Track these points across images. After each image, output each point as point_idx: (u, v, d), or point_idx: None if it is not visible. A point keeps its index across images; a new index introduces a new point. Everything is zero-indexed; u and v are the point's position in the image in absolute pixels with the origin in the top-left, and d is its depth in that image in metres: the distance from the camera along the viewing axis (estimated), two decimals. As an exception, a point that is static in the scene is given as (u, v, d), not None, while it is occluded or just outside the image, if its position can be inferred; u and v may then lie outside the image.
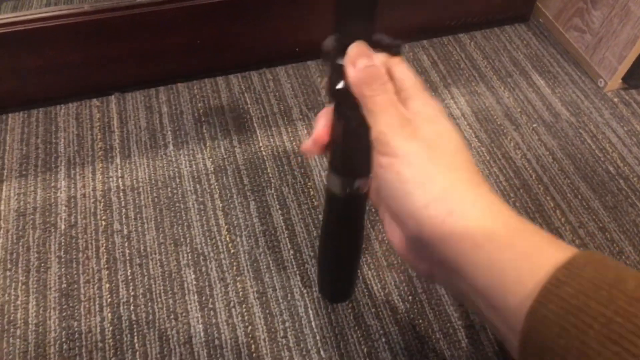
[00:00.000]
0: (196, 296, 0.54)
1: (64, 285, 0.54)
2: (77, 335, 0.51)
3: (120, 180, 0.63)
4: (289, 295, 0.55)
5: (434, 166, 0.25)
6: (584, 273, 0.21)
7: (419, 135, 0.26)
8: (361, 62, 0.28)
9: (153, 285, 0.55)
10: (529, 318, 0.21)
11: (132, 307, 0.53)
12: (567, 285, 0.20)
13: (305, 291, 0.55)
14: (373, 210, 0.61)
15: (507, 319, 0.23)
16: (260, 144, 0.67)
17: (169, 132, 0.68)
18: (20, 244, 0.57)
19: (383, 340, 0.52)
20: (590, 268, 0.21)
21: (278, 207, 0.61)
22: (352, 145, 0.33)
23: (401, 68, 0.29)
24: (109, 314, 0.53)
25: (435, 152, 0.26)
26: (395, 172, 0.25)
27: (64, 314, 0.52)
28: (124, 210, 0.60)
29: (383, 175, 0.26)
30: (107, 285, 0.54)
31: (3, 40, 0.60)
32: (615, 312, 0.19)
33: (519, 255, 0.23)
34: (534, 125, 0.71)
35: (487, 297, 0.23)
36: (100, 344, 0.51)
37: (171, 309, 0.53)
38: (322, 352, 0.51)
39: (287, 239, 0.59)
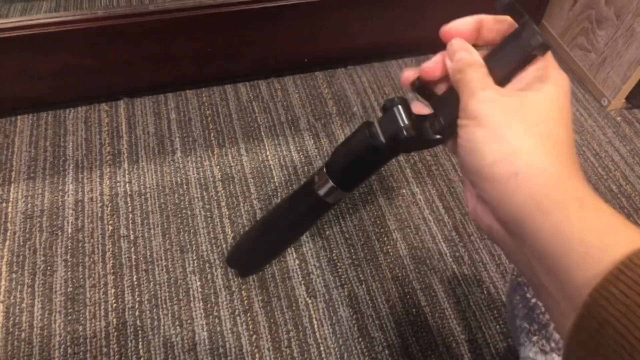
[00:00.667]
0: (201, 303, 0.54)
1: (69, 289, 0.54)
2: (81, 340, 0.51)
3: (127, 185, 0.63)
4: (294, 305, 0.55)
5: (508, 129, 0.26)
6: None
7: (502, 100, 0.27)
8: (459, 54, 0.31)
9: (159, 292, 0.55)
10: (595, 293, 0.21)
11: (137, 313, 0.53)
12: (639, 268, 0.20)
13: (309, 301, 0.55)
14: (378, 222, 0.62)
15: (567, 289, 0.23)
16: (268, 153, 0.67)
17: (177, 139, 0.68)
18: (27, 246, 0.57)
19: (386, 352, 0.52)
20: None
21: (284, 216, 0.62)
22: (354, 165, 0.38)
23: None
24: (114, 319, 0.53)
25: (515, 117, 0.27)
26: (471, 133, 0.27)
27: (69, 317, 0.53)
28: (130, 216, 0.60)
29: (461, 137, 0.28)
30: (113, 290, 0.55)
31: (16, 43, 0.61)
32: None
33: (590, 231, 0.23)
34: (538, 141, 0.72)
35: (548, 264, 0.24)
36: (105, 349, 0.51)
37: (176, 316, 0.53)
38: (325, 363, 0.51)
39: (292, 248, 0.59)
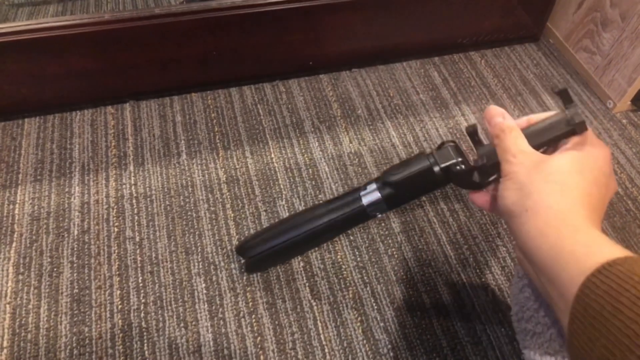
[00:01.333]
0: (206, 305, 0.54)
1: (75, 291, 0.55)
2: (87, 341, 0.51)
3: (133, 187, 0.63)
4: (298, 307, 0.55)
5: (528, 180, 0.33)
6: (638, 261, 0.26)
7: (527, 161, 0.34)
8: (495, 120, 0.37)
9: (164, 293, 0.55)
10: (583, 287, 0.27)
11: (142, 315, 0.53)
12: (621, 266, 0.26)
13: (314, 303, 0.55)
14: (383, 224, 0.62)
15: (560, 289, 0.29)
16: (273, 155, 0.68)
17: (183, 141, 0.68)
18: (34, 248, 0.57)
19: (391, 354, 0.52)
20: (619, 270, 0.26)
21: (289, 218, 0.62)
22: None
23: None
24: (120, 321, 0.53)
25: (535, 171, 0.33)
26: (503, 184, 0.35)
27: (75, 319, 0.53)
28: (136, 218, 0.61)
29: (499, 188, 0.36)
30: (119, 292, 0.55)
31: (24, 46, 0.61)
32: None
33: (579, 244, 0.29)
34: (543, 144, 0.72)
35: (547, 273, 0.30)
36: (110, 351, 0.51)
37: (181, 317, 0.53)
38: (330, 365, 0.51)
39: (297, 250, 0.59)
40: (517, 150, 0.35)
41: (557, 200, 0.32)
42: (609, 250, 0.28)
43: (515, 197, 0.33)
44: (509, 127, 0.36)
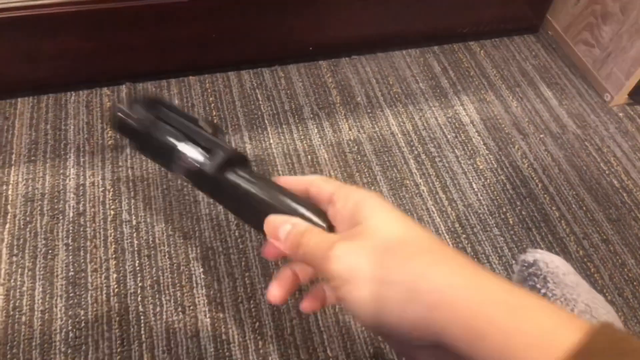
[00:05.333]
0: (204, 290, 0.54)
1: (71, 273, 0.54)
2: (83, 324, 0.51)
3: (130, 170, 0.62)
4: (297, 292, 0.55)
5: (386, 271, 0.24)
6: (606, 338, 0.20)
7: (354, 247, 0.25)
8: (282, 232, 0.28)
9: (161, 277, 0.54)
10: None
11: (139, 299, 0.53)
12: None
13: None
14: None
15: None
16: (271, 141, 0.67)
17: (180, 125, 0.67)
18: (28, 229, 0.56)
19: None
20: (612, 353, 0.20)
21: (287, 204, 0.61)
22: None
23: (319, 182, 0.30)
24: (116, 304, 0.52)
25: (376, 253, 0.24)
26: (350, 295, 0.24)
27: (71, 302, 0.52)
28: (132, 201, 0.60)
29: (346, 301, 0.25)
30: (115, 275, 0.54)
31: (18, 23, 0.60)
32: None
33: (531, 340, 0.21)
34: (541, 135, 0.72)
35: None
36: (107, 334, 0.50)
37: (179, 302, 0.53)
38: (328, 351, 0.51)
39: (295, 236, 0.59)
40: (333, 242, 0.25)
41: (449, 273, 0.23)
42: (566, 334, 0.21)
43: (392, 298, 0.23)
44: (302, 225, 0.27)
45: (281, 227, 0.28)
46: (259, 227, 0.30)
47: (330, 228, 0.28)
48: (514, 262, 0.59)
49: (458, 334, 0.22)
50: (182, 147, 0.32)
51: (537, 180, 0.67)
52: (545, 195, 0.66)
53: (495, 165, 0.68)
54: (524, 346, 0.21)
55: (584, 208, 0.65)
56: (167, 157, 0.33)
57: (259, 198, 0.31)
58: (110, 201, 0.60)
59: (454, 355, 0.23)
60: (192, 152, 0.32)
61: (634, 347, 0.20)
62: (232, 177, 0.32)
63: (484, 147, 0.70)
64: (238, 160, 0.33)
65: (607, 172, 0.69)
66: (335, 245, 0.25)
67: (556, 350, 0.20)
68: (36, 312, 0.51)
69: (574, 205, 0.65)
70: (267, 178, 0.33)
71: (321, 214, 0.30)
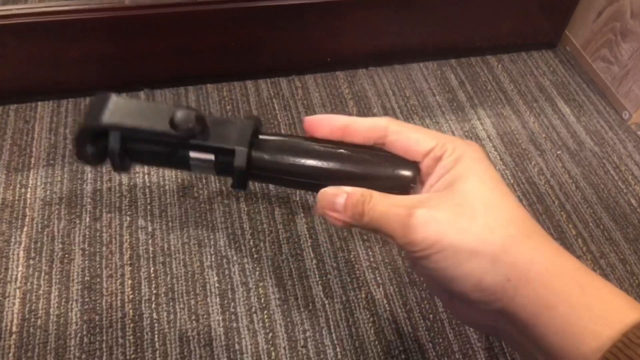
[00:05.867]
0: (218, 299, 0.54)
1: (86, 278, 0.54)
2: (97, 330, 0.51)
3: (146, 176, 0.63)
4: (311, 304, 0.55)
5: (472, 237, 0.24)
6: None
7: (440, 213, 0.25)
8: (338, 205, 0.27)
9: (175, 285, 0.55)
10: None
11: (153, 306, 0.53)
12: (638, 346, 0.20)
13: (327, 302, 0.55)
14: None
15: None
16: (287, 151, 0.67)
17: (197, 132, 0.68)
18: (45, 233, 0.57)
19: (403, 357, 0.52)
20: None
21: (302, 215, 0.61)
22: None
23: (409, 132, 0.28)
24: (131, 311, 0.52)
25: (466, 219, 0.24)
26: (435, 261, 0.24)
27: (86, 307, 0.52)
28: (149, 207, 0.60)
29: (428, 269, 0.25)
30: (130, 282, 0.54)
31: (41, 28, 0.60)
32: None
33: (597, 314, 0.22)
34: (558, 152, 0.72)
35: (554, 355, 0.23)
36: (120, 340, 0.51)
37: (192, 310, 0.53)
38: (341, 365, 0.51)
39: (310, 247, 0.59)
40: (410, 209, 0.25)
41: (533, 247, 0.24)
42: (627, 310, 0.22)
43: (479, 270, 0.24)
44: (367, 193, 0.26)
45: (335, 201, 0.27)
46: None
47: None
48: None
49: (529, 303, 0.23)
50: (193, 153, 0.31)
51: (553, 197, 0.67)
52: (562, 213, 0.65)
53: (512, 181, 0.68)
54: (590, 318, 0.22)
55: (601, 227, 0.64)
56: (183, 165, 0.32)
57: (304, 171, 0.29)
58: (127, 207, 0.60)
59: (511, 324, 0.24)
60: (203, 156, 0.31)
61: None
62: (266, 158, 0.30)
63: (501, 162, 0.70)
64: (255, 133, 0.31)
65: (624, 190, 0.68)
66: (416, 212, 0.24)
67: (620, 324, 0.21)
68: (51, 316, 0.51)
69: (590, 224, 0.64)
70: (299, 136, 0.31)
71: (411, 167, 0.27)
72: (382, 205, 0.26)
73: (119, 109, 0.32)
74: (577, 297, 0.23)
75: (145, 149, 0.32)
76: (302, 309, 0.54)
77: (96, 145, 0.32)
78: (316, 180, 0.29)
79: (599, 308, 0.22)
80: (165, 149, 0.31)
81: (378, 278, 0.57)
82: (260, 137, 0.32)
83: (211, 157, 0.31)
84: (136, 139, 0.31)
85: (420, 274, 0.27)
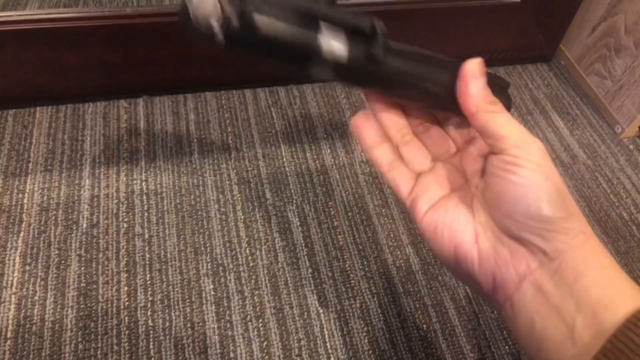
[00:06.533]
0: (214, 307, 0.54)
1: (82, 285, 0.54)
2: (93, 336, 0.51)
3: (144, 183, 0.63)
4: (305, 313, 0.55)
5: (561, 184, 0.27)
6: None
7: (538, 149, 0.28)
8: (479, 89, 0.29)
9: (171, 292, 0.55)
10: (613, 339, 0.23)
11: (149, 313, 0.53)
12: None
13: (321, 311, 0.55)
14: (392, 235, 0.62)
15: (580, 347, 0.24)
16: (284, 159, 0.68)
17: (195, 140, 0.68)
18: (42, 239, 0.57)
19: (396, 366, 0.52)
20: None
21: (298, 223, 0.62)
22: None
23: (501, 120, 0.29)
24: (126, 318, 0.53)
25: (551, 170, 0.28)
26: (530, 177, 0.27)
27: (82, 313, 0.52)
28: (146, 214, 0.60)
29: (517, 177, 0.27)
30: (126, 289, 0.55)
31: (41, 35, 0.61)
32: None
33: (619, 293, 0.25)
34: (552, 164, 0.73)
35: (592, 312, 0.25)
36: (115, 347, 0.51)
37: (188, 318, 0.53)
38: (335, 374, 0.51)
39: (305, 256, 0.59)
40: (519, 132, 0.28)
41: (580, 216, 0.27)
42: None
43: (565, 210, 0.26)
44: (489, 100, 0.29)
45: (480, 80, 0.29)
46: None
47: None
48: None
49: (591, 257, 0.26)
50: (323, 39, 0.25)
51: (546, 210, 0.67)
52: (555, 225, 0.66)
53: (506, 193, 0.68)
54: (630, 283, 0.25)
55: (593, 239, 0.65)
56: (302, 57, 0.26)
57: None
58: (124, 214, 0.60)
59: (554, 273, 0.26)
60: (336, 41, 0.26)
61: None
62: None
63: (495, 174, 0.70)
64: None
65: (616, 203, 0.69)
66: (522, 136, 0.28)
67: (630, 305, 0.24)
68: (47, 323, 0.52)
69: (583, 236, 0.65)
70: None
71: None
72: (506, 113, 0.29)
73: None
74: (620, 269, 0.26)
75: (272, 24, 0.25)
76: (297, 318, 0.54)
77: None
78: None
79: (632, 283, 0.26)
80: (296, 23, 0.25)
81: (373, 288, 0.57)
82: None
83: (342, 44, 0.26)
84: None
85: (491, 192, 0.29)
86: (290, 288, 0.56)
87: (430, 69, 0.30)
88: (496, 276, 0.28)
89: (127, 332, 0.52)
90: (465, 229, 0.29)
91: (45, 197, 0.60)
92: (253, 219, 0.61)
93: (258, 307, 0.55)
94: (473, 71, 0.29)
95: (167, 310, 0.54)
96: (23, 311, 0.52)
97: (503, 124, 0.28)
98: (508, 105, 0.32)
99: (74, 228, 0.58)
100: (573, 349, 0.24)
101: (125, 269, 0.56)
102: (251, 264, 0.58)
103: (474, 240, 0.29)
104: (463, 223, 0.29)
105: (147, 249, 0.58)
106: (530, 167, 0.26)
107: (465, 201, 0.30)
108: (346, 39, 0.26)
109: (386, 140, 0.33)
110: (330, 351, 0.52)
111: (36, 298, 0.53)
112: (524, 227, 0.26)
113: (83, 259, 0.56)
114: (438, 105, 0.31)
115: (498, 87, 0.31)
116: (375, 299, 0.57)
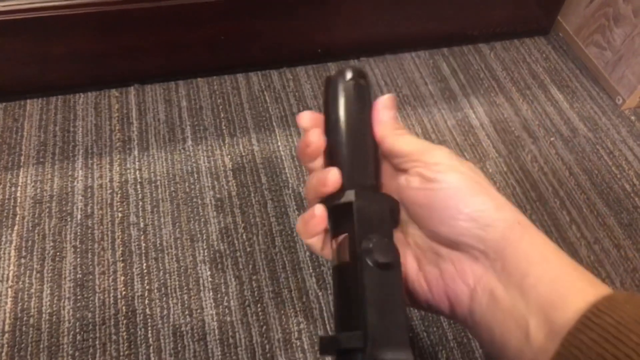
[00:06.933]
0: (211, 293, 0.54)
1: (79, 276, 0.54)
2: (91, 327, 0.51)
3: (137, 172, 0.62)
4: (304, 296, 0.54)
5: (484, 181, 0.29)
6: (624, 307, 0.22)
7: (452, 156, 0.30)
8: (388, 117, 0.32)
9: (168, 280, 0.54)
10: (566, 343, 0.22)
11: (146, 301, 0.53)
12: (608, 315, 0.21)
13: (320, 293, 0.55)
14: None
15: (552, 334, 0.23)
16: (279, 144, 0.67)
17: (188, 127, 0.67)
18: (36, 231, 0.57)
19: (397, 346, 0.52)
20: (631, 305, 0.22)
21: (295, 207, 0.61)
22: None
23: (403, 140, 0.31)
24: (124, 307, 0.52)
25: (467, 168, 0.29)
26: (444, 185, 0.28)
27: (79, 304, 0.52)
28: (140, 203, 0.60)
29: (423, 201, 0.28)
30: (122, 278, 0.54)
31: (27, 25, 0.60)
32: None
33: (567, 288, 0.24)
34: (552, 139, 0.72)
35: (545, 313, 0.24)
36: (114, 337, 0.50)
37: (186, 305, 0.53)
38: (336, 356, 0.51)
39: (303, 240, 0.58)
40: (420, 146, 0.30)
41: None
42: (592, 290, 0.24)
43: (492, 202, 0.27)
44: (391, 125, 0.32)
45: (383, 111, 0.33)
46: None
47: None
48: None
49: (531, 250, 0.26)
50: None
51: (547, 184, 0.66)
52: (556, 200, 0.65)
53: (505, 169, 0.67)
54: (578, 277, 0.25)
55: (595, 212, 0.64)
56: None
57: None
58: (118, 203, 0.60)
59: (500, 274, 0.26)
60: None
61: None
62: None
63: (494, 151, 0.69)
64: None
65: (618, 176, 0.68)
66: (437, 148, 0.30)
67: (601, 288, 0.24)
68: (44, 315, 0.51)
69: (584, 210, 0.64)
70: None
71: None
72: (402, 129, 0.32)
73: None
74: (559, 253, 0.26)
75: None
76: (295, 301, 0.54)
77: None
78: None
79: (583, 274, 0.25)
80: None
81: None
82: None
83: None
84: None
85: (415, 213, 0.29)
86: (289, 272, 0.56)
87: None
88: (449, 295, 0.27)
89: (125, 321, 0.51)
90: (406, 259, 0.30)
91: (38, 190, 0.60)
92: (249, 204, 0.61)
93: (256, 292, 0.54)
94: (384, 103, 0.32)
95: (164, 299, 0.53)
96: (20, 304, 0.52)
97: (408, 142, 0.30)
98: None
99: (69, 219, 0.58)
100: (530, 352, 0.24)
101: (121, 258, 0.55)
102: (248, 249, 0.57)
103: (417, 267, 0.29)
104: (403, 254, 0.29)
105: (142, 237, 0.57)
106: (442, 169, 0.27)
107: (399, 236, 0.31)
108: None
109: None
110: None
111: (32, 291, 0.53)
112: (458, 230, 0.26)
113: (78, 250, 0.56)
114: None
115: None
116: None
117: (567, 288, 0.24)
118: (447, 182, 0.27)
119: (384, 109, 0.32)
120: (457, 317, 0.28)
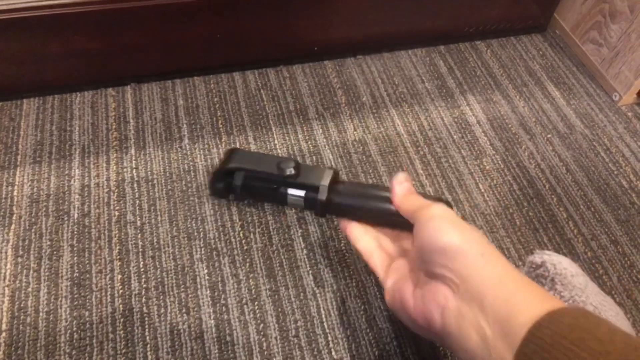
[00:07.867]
0: (208, 291, 0.54)
1: (75, 274, 0.54)
2: (88, 326, 0.51)
3: (134, 171, 0.62)
4: (302, 294, 0.54)
5: (460, 222, 0.36)
6: (563, 319, 0.27)
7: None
8: (402, 189, 0.42)
9: (165, 279, 0.54)
10: (519, 353, 0.27)
11: (144, 300, 0.53)
12: (547, 328, 0.27)
13: (317, 291, 0.55)
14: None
15: (510, 339, 0.29)
16: (276, 142, 0.67)
17: (185, 125, 0.67)
18: (33, 230, 0.57)
19: (394, 344, 0.52)
20: (570, 317, 0.27)
21: (292, 205, 0.61)
22: None
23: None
24: (121, 305, 0.52)
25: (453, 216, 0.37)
26: (438, 222, 0.36)
27: (76, 303, 0.52)
28: (137, 202, 0.60)
29: (430, 225, 0.36)
30: (119, 277, 0.54)
31: (24, 24, 0.60)
32: (583, 350, 0.25)
33: (519, 305, 0.30)
34: (549, 135, 0.72)
35: (500, 321, 0.30)
36: (111, 335, 0.50)
37: (183, 303, 0.53)
38: (333, 353, 0.51)
39: (300, 237, 0.58)
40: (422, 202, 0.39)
41: (487, 261, 0.33)
42: (546, 301, 0.30)
43: (466, 234, 0.34)
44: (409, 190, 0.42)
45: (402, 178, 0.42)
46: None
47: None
48: (521, 263, 0.58)
49: (490, 276, 0.31)
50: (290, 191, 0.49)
51: (544, 181, 0.66)
52: (553, 196, 0.65)
53: (502, 166, 0.67)
54: (523, 303, 0.30)
55: (592, 209, 0.64)
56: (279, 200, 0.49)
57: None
58: (115, 202, 0.60)
59: (468, 298, 0.32)
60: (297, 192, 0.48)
61: (593, 316, 0.28)
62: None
63: (491, 148, 0.69)
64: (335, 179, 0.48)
65: (615, 172, 0.68)
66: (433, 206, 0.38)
67: (548, 304, 0.29)
68: (41, 314, 0.51)
69: (581, 206, 0.64)
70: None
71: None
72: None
73: (242, 157, 0.51)
74: (517, 283, 0.31)
75: (258, 185, 0.50)
76: (293, 299, 0.54)
77: (224, 182, 0.52)
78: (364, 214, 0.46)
79: (535, 292, 0.31)
80: (271, 186, 0.49)
81: (368, 266, 0.57)
82: (338, 181, 0.48)
83: (302, 192, 0.48)
84: (253, 178, 0.50)
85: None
86: (286, 269, 0.56)
87: (369, 198, 0.45)
88: (425, 313, 0.34)
89: (122, 319, 0.51)
90: (407, 288, 0.38)
91: (35, 189, 0.60)
92: (246, 201, 0.61)
93: (253, 290, 0.54)
94: (398, 179, 0.42)
95: (161, 297, 0.53)
96: (17, 303, 0.52)
97: (416, 201, 0.39)
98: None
99: (65, 218, 0.58)
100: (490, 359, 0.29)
101: (118, 257, 0.55)
102: (245, 247, 0.57)
103: (412, 291, 0.37)
104: (406, 284, 0.38)
105: (139, 236, 0.57)
106: (433, 216, 0.36)
107: (412, 275, 0.39)
108: (304, 191, 0.48)
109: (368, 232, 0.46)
110: (327, 331, 0.52)
111: (29, 289, 0.53)
112: (434, 263, 0.34)
113: (75, 249, 0.56)
114: (382, 222, 0.46)
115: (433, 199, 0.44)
116: (371, 277, 0.56)
117: (518, 303, 0.29)
118: (432, 224, 0.36)
119: (398, 185, 0.41)
120: (433, 333, 0.34)
